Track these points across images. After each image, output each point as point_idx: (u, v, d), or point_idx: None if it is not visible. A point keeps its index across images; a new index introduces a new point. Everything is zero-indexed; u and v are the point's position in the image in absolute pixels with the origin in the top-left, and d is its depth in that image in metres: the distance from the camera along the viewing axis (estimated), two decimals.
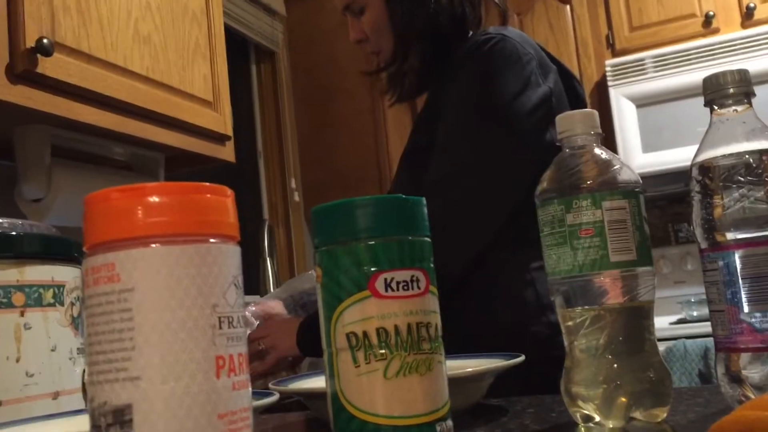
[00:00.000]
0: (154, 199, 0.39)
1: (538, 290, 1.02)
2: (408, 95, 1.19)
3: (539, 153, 0.92)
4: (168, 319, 0.38)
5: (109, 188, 0.39)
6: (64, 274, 0.78)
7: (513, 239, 1.02)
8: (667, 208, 2.92)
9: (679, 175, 2.36)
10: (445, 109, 1.05)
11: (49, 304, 0.76)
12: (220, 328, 0.39)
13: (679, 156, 2.41)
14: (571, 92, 1.12)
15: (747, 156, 0.57)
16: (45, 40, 1.21)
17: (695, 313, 2.54)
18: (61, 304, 0.77)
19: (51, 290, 0.76)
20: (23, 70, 1.20)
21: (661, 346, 2.19)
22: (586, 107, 1.00)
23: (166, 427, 0.37)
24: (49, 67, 1.24)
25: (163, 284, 0.38)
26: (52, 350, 0.75)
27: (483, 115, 1.01)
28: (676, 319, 2.54)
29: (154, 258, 0.38)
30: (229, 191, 0.42)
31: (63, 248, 0.78)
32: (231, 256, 0.41)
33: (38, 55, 1.21)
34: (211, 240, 0.40)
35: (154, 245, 0.39)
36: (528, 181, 0.79)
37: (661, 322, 2.44)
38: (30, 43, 1.20)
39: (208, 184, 0.41)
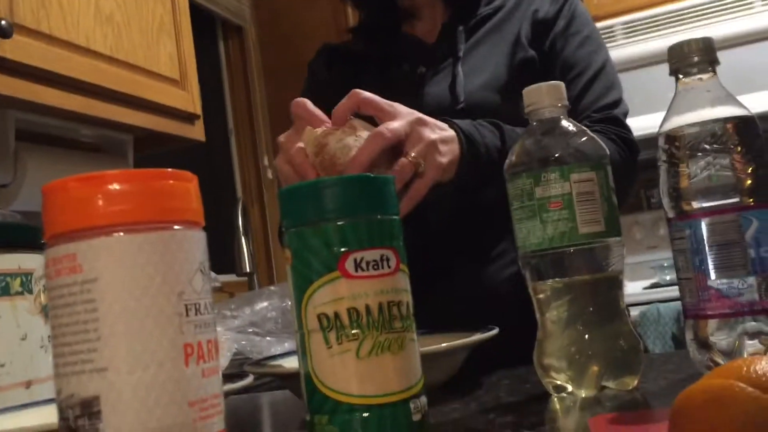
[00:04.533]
0: (115, 187, 0.38)
1: None
2: None
3: None
4: (133, 308, 0.37)
5: (67, 177, 0.39)
6: (31, 261, 0.77)
7: None
8: (640, 174, 2.95)
9: (651, 142, 2.36)
10: (574, 36, 1.04)
11: (17, 293, 0.75)
12: (187, 315, 0.39)
13: (651, 122, 2.39)
14: None
15: (712, 124, 0.58)
16: (3, 22, 1.18)
17: (668, 278, 2.58)
18: (30, 292, 0.76)
19: (18, 279, 0.75)
20: None
21: (635, 311, 2.23)
22: None
23: (136, 417, 0.37)
24: (8, 49, 1.20)
25: (127, 273, 0.38)
26: (23, 339, 0.74)
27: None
28: (649, 284, 2.58)
29: (117, 247, 0.38)
30: (192, 176, 0.42)
31: (29, 235, 0.77)
32: (196, 242, 0.41)
33: None
34: (175, 227, 0.39)
35: (116, 234, 0.38)
36: None
37: (635, 287, 2.47)
38: None
39: (169, 170, 0.40)
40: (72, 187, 0.38)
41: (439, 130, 0.79)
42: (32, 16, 1.27)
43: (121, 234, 0.38)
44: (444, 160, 0.78)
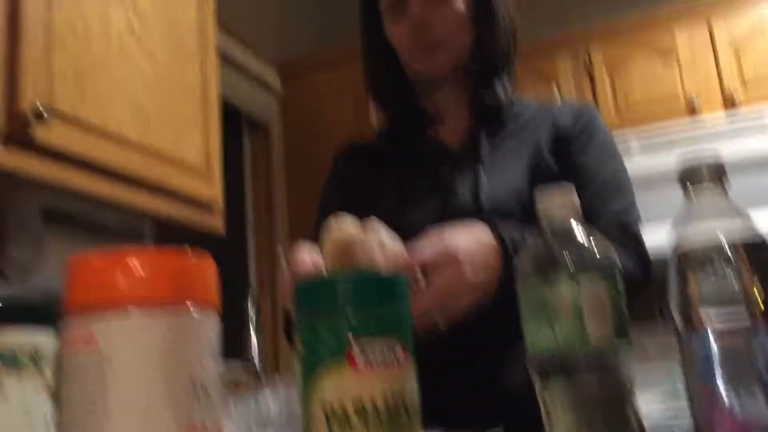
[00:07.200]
0: (135, 265, 0.40)
1: None
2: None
3: None
4: (143, 388, 0.38)
5: (91, 253, 0.40)
6: (43, 338, 0.77)
7: None
8: (652, 287, 2.93)
9: (661, 255, 2.34)
10: (591, 146, 1.08)
11: (25, 368, 0.75)
12: (196, 396, 0.39)
13: (661, 237, 2.39)
14: None
15: (722, 242, 0.58)
16: (41, 106, 1.23)
17: (679, 390, 2.51)
18: (38, 367, 0.76)
19: (27, 353, 0.75)
20: (18, 135, 1.21)
21: (647, 422, 2.16)
22: None
23: None
24: (45, 134, 1.25)
25: (140, 353, 0.38)
26: (27, 414, 0.74)
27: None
28: (661, 395, 2.51)
29: (132, 326, 0.39)
30: (210, 259, 0.43)
31: (42, 312, 0.78)
32: (209, 325, 0.42)
33: (34, 121, 1.23)
34: (191, 308, 0.41)
35: (132, 312, 0.39)
36: None
37: (647, 398, 2.41)
38: (26, 107, 1.22)
39: (189, 251, 0.42)
40: (94, 262, 0.40)
41: (476, 270, 0.84)
42: (70, 103, 1.33)
43: (138, 313, 0.39)
44: (463, 304, 0.84)
